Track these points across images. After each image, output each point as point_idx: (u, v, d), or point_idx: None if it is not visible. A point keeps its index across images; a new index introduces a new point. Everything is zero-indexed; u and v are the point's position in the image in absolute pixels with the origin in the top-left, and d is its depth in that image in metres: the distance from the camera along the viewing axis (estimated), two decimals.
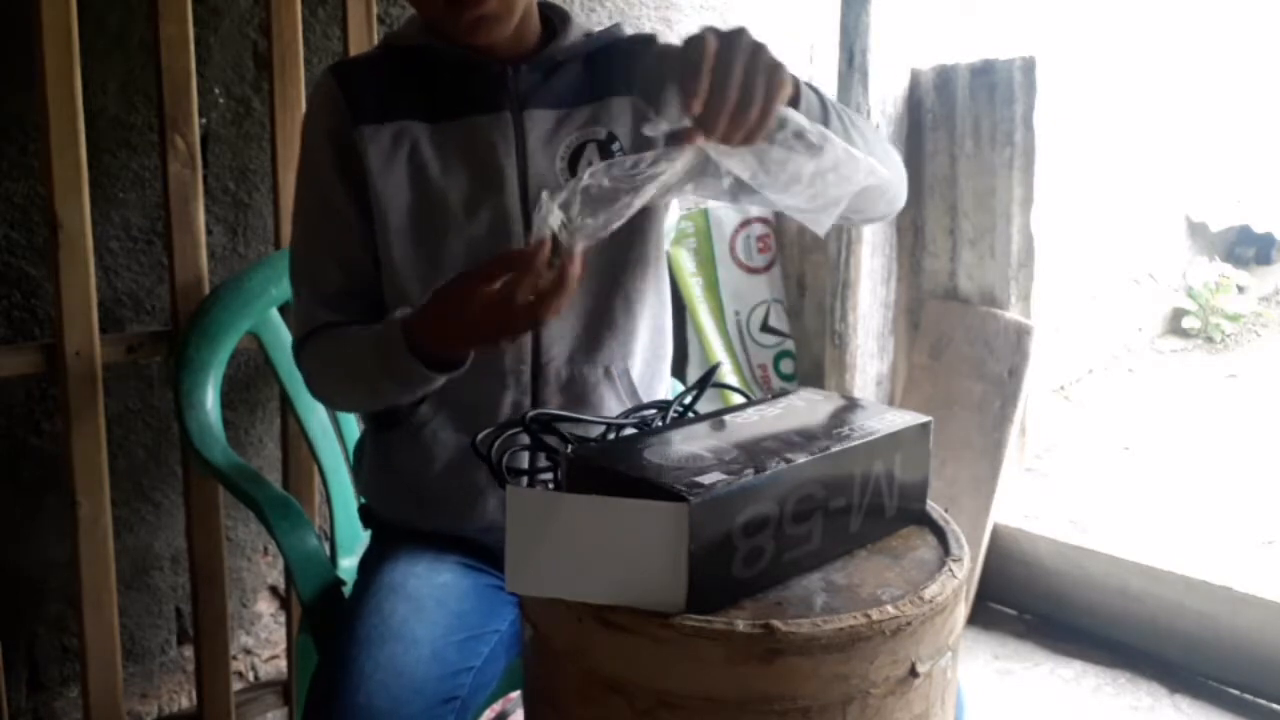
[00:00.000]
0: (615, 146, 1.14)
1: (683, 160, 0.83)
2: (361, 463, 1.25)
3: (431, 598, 1.05)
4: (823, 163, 0.84)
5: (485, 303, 0.89)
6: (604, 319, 1.14)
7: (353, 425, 1.57)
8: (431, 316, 0.96)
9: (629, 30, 1.20)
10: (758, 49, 0.84)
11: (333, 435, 1.53)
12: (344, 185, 1.12)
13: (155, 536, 1.75)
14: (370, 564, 1.17)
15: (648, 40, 1.19)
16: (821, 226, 0.87)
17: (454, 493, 1.13)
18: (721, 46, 0.82)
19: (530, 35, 1.15)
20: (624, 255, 1.14)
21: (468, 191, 1.10)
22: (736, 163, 0.84)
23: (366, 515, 1.26)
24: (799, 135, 0.84)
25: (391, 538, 1.17)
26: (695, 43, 0.83)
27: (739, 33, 0.84)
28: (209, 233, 1.62)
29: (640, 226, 1.14)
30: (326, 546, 1.41)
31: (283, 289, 1.51)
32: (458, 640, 1.01)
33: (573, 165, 1.12)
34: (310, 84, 1.62)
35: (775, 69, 0.84)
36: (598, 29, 1.19)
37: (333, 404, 1.35)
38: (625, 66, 1.16)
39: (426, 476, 1.13)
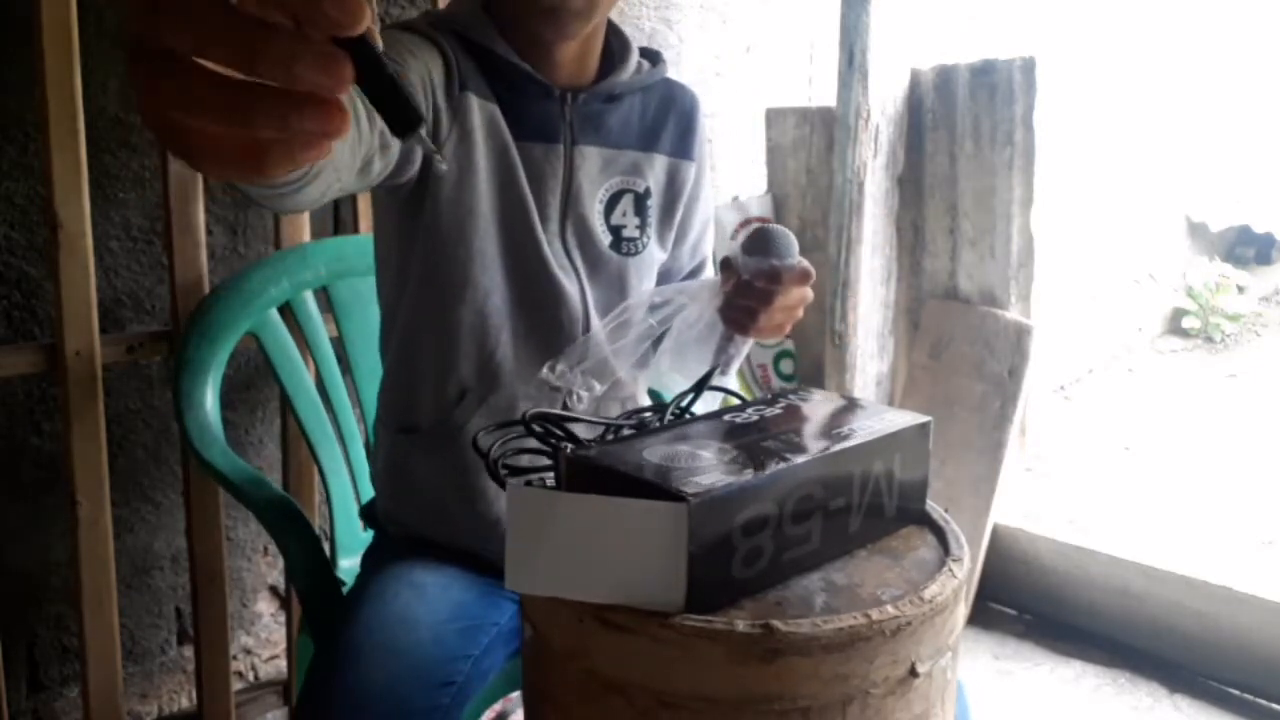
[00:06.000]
0: (649, 203, 1.15)
1: (708, 296, 0.99)
2: (375, 465, 1.23)
3: (435, 584, 1.05)
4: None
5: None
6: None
7: (353, 426, 1.56)
8: None
9: (670, 69, 1.19)
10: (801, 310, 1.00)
11: (333, 436, 1.53)
12: (439, 75, 1.00)
13: (155, 536, 1.75)
14: (374, 555, 1.17)
15: (694, 103, 1.20)
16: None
17: (470, 514, 1.11)
18: (794, 293, 0.96)
19: (593, 58, 1.11)
20: None
21: (508, 216, 1.08)
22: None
23: (370, 515, 1.25)
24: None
25: (398, 535, 1.17)
26: (791, 272, 0.95)
27: (806, 292, 0.98)
28: (209, 233, 1.61)
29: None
30: (327, 547, 1.41)
31: (282, 289, 1.50)
32: (458, 627, 1.01)
33: (608, 211, 1.12)
34: None
35: (788, 326, 1.01)
36: (641, 56, 1.16)
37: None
38: (674, 128, 1.17)
39: (447, 492, 1.11)
